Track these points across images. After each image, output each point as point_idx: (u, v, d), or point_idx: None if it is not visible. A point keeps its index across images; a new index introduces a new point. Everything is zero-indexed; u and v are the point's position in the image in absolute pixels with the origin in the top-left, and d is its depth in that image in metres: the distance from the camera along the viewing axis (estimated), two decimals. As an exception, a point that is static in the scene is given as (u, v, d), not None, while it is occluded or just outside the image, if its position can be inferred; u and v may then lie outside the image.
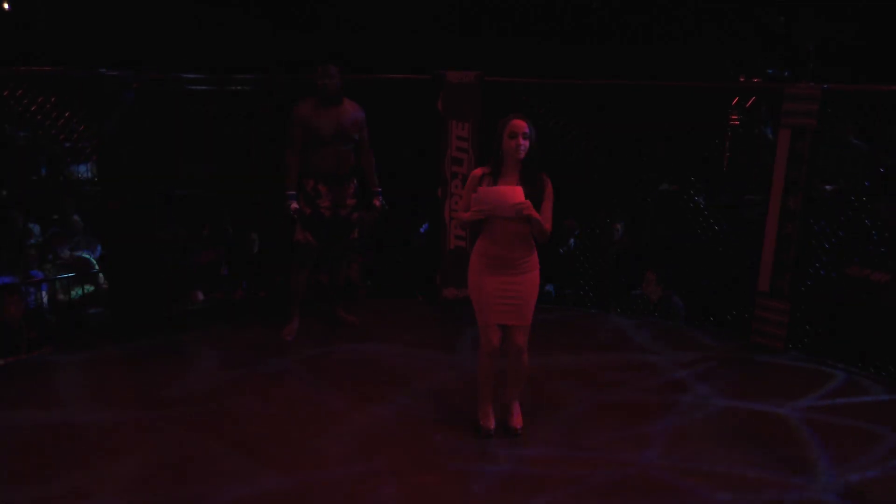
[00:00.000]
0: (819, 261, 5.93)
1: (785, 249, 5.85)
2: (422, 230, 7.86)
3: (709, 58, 8.52)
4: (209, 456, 4.30)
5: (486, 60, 7.41)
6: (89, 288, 6.66)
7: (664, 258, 7.00)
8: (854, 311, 5.85)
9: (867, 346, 5.73)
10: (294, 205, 5.73)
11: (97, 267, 7.06)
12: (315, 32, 9.60)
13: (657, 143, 6.93)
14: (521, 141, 4.18)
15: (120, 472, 4.12)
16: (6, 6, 10.35)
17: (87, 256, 7.28)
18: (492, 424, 4.59)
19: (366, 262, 7.41)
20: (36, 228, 7.88)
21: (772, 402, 5.07)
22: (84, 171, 7.49)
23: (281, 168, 5.79)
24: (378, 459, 4.31)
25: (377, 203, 6.03)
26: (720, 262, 6.73)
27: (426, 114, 6.77)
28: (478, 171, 4.37)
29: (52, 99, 5.81)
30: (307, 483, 4.07)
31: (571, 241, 7.64)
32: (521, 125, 4.19)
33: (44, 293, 6.46)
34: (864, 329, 5.77)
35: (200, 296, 7.02)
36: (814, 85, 5.69)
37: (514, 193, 4.12)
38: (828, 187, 6.13)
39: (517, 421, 4.61)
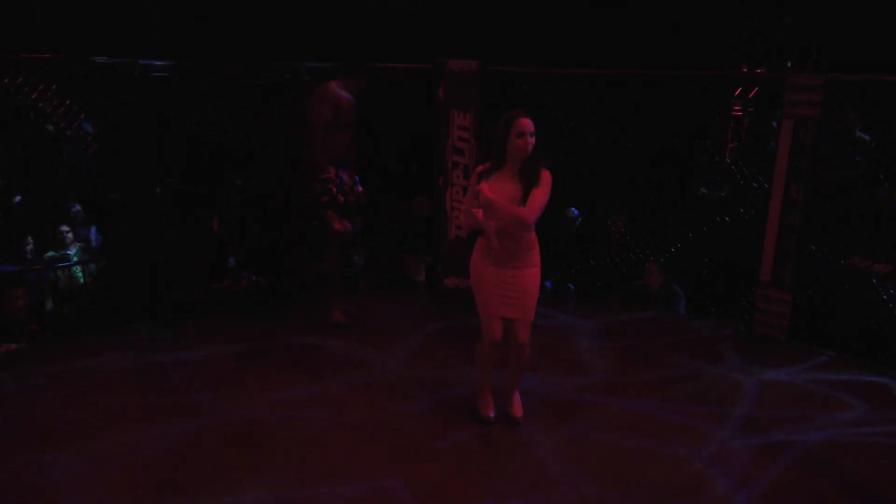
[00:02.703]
0: (821, 251, 5.93)
1: (787, 239, 5.85)
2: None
3: (710, 47, 8.51)
4: (210, 450, 4.30)
5: (487, 49, 7.39)
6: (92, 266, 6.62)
7: (666, 248, 7.00)
8: (855, 302, 5.85)
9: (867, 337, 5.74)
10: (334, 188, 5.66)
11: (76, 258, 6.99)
12: (314, 21, 9.57)
13: (658, 133, 6.92)
14: (529, 139, 4.20)
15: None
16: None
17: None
18: (492, 413, 4.59)
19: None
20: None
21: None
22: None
23: (304, 154, 5.68)
24: (379, 449, 4.31)
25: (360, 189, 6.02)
26: (722, 252, 6.73)
27: (427, 103, 6.76)
28: (479, 170, 4.36)
29: (53, 87, 5.78)
30: (310, 472, 4.07)
31: (573, 231, 7.63)
32: (529, 124, 4.20)
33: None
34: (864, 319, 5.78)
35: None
36: (816, 75, 5.68)
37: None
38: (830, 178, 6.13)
39: (518, 410, 4.61)
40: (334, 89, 5.64)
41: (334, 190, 5.66)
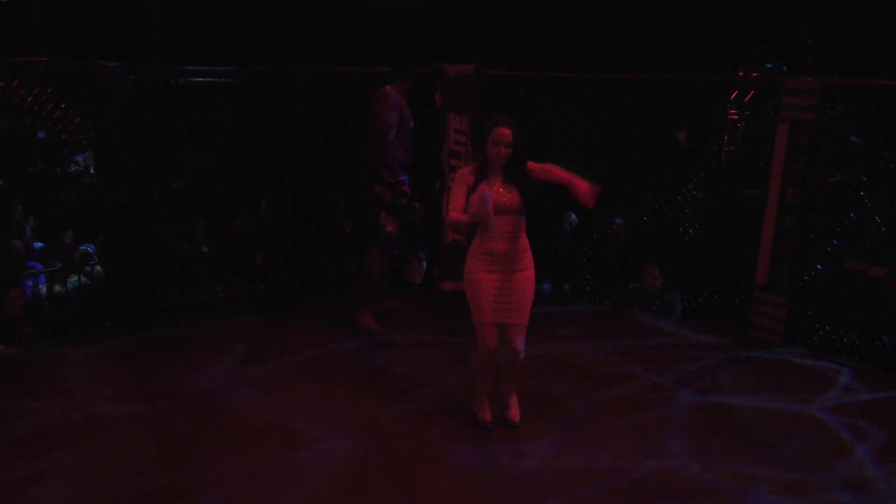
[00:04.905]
0: (817, 254, 5.91)
1: (783, 243, 5.84)
2: None
3: (707, 51, 8.51)
4: (210, 451, 4.30)
5: (488, 49, 7.39)
6: (85, 280, 6.65)
7: (665, 252, 6.99)
8: (851, 305, 5.83)
9: (864, 340, 5.73)
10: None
11: (96, 259, 7.04)
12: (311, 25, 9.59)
13: (657, 136, 6.92)
14: (503, 150, 4.20)
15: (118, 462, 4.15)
16: (4, -3, 10.31)
17: (88, 248, 7.25)
18: (489, 417, 4.59)
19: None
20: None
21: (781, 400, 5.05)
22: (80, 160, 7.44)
23: (353, 156, 5.86)
24: (377, 453, 4.31)
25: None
26: (718, 256, 6.72)
27: (424, 106, 6.74)
28: (465, 170, 4.37)
29: (49, 90, 5.77)
30: (308, 476, 4.07)
31: (569, 233, 7.63)
32: (505, 134, 4.19)
33: (42, 286, 6.45)
34: (861, 323, 5.76)
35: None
36: (812, 79, 5.67)
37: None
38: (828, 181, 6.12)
39: (514, 413, 4.61)
40: (396, 94, 5.73)
41: (407, 191, 5.85)
